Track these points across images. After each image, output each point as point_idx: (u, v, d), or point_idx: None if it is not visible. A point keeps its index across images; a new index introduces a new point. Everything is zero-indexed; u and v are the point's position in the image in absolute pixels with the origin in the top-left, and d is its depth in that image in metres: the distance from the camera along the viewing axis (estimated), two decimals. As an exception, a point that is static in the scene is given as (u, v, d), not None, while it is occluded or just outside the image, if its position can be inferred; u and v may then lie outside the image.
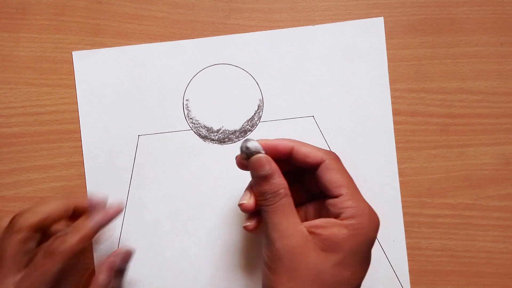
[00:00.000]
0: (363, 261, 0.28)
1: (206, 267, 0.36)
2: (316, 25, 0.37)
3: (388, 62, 0.36)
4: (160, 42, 0.37)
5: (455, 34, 0.37)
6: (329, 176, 0.28)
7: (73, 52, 0.37)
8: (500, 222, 0.36)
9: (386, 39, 0.36)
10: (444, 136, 0.36)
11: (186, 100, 0.37)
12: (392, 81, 0.36)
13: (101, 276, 0.32)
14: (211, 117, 0.37)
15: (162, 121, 0.37)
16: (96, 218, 0.31)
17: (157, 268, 0.36)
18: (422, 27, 0.37)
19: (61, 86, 0.37)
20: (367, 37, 0.36)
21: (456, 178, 0.36)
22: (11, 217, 0.31)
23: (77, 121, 0.37)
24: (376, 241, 0.35)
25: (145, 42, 0.37)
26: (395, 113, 0.36)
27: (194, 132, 0.37)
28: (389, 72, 0.36)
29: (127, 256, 0.33)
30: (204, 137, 0.36)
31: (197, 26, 0.37)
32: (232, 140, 0.36)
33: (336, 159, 0.29)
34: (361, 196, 0.29)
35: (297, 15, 0.37)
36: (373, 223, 0.28)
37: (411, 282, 0.35)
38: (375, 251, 0.35)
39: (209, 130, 0.36)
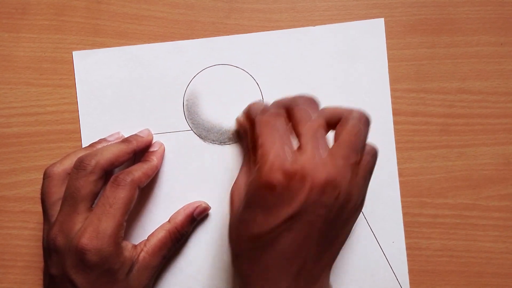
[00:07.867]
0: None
1: (206, 268, 0.36)
2: (316, 26, 0.37)
3: (388, 62, 0.36)
4: (160, 42, 0.37)
5: (455, 34, 0.37)
6: None
7: (73, 52, 0.37)
8: (500, 222, 0.36)
9: (386, 39, 0.36)
10: (444, 136, 0.36)
11: (186, 100, 0.37)
12: (392, 81, 0.36)
13: (179, 218, 0.35)
14: (211, 118, 0.37)
15: (162, 122, 0.37)
16: (157, 155, 0.35)
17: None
18: (422, 27, 0.37)
19: (61, 86, 0.37)
20: (368, 38, 0.36)
21: (456, 178, 0.36)
22: (69, 157, 0.33)
23: (77, 121, 0.37)
24: (376, 241, 0.35)
25: (145, 42, 0.37)
26: (395, 113, 0.36)
27: (194, 132, 0.37)
28: (389, 72, 0.36)
29: (204, 210, 0.36)
30: (204, 138, 0.36)
31: (197, 26, 0.37)
32: (232, 140, 0.36)
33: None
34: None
35: (297, 15, 0.37)
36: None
37: (410, 283, 0.35)
38: (375, 251, 0.35)
39: (209, 130, 0.36)
